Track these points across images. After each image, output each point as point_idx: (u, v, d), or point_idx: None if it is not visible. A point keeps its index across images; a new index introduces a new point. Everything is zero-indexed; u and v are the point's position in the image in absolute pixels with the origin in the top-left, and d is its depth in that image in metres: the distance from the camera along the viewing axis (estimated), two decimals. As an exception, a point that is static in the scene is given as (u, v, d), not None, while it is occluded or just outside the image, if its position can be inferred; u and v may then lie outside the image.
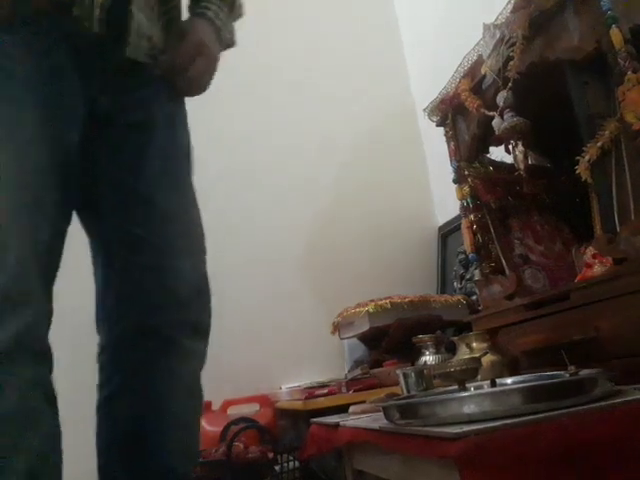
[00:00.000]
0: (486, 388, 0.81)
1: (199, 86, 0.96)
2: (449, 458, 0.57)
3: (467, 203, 1.34)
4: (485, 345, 1.03)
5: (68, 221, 0.88)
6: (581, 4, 0.93)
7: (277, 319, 1.92)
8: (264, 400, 1.87)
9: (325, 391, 1.51)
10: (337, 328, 1.78)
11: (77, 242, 0.91)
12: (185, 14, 0.98)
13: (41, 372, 0.76)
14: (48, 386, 0.78)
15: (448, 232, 2.13)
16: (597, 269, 0.96)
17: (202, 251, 0.94)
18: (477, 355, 0.91)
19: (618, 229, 0.93)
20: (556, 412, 0.61)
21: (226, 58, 0.97)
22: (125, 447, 0.85)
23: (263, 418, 1.75)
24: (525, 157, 1.13)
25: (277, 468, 1.48)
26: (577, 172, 0.99)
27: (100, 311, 0.93)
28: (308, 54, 2.25)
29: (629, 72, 0.85)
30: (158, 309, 0.87)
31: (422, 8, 2.24)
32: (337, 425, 0.97)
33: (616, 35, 0.86)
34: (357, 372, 1.53)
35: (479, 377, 0.82)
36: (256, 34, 2.15)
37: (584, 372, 0.71)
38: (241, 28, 1.00)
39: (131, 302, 0.88)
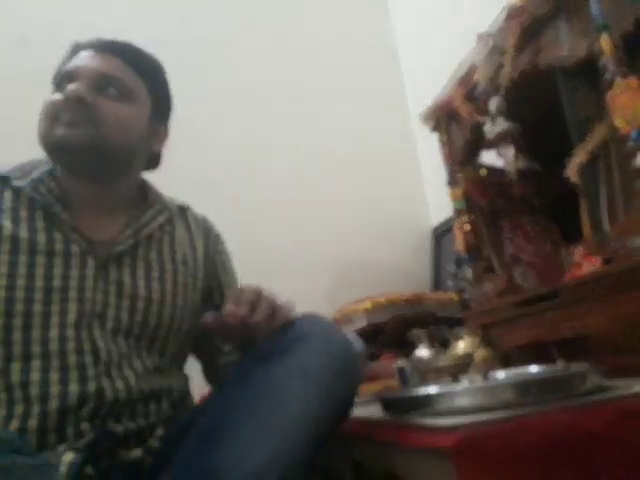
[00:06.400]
0: (478, 382, 0.80)
1: None
2: (443, 448, 0.56)
3: (460, 205, 1.33)
4: (477, 340, 1.02)
5: None
6: (573, 12, 0.91)
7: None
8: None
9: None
10: (336, 324, 1.77)
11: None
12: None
13: None
14: None
15: (442, 233, 2.11)
16: (586, 268, 0.94)
17: None
18: (469, 350, 0.90)
19: (606, 230, 0.92)
20: (547, 406, 0.60)
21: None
22: None
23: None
24: (516, 161, 1.12)
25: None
26: (567, 175, 0.98)
27: None
28: (306, 62, 2.25)
29: (618, 78, 0.84)
30: None
31: (418, 15, 2.23)
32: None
33: (606, 42, 0.85)
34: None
35: (471, 371, 0.81)
36: (254, 44, 2.16)
37: (574, 367, 0.70)
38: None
39: None
